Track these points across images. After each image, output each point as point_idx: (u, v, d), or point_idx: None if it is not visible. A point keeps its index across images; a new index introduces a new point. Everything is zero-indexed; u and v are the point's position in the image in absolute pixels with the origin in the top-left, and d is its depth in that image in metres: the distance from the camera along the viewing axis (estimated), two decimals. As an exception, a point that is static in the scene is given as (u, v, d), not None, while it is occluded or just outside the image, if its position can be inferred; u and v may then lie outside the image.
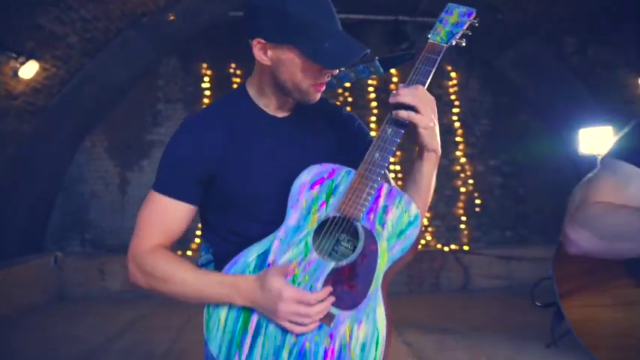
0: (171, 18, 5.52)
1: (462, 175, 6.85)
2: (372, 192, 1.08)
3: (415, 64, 1.12)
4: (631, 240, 1.07)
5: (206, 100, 6.39)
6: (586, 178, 1.20)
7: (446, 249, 6.54)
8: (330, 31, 1.09)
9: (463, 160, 6.87)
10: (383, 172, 1.09)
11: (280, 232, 1.14)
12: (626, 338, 1.15)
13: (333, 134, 1.31)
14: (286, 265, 1.10)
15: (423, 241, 6.48)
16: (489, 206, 6.83)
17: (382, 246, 1.09)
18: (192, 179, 1.18)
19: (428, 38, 1.12)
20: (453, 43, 1.13)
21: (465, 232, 6.79)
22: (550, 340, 3.95)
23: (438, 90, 6.69)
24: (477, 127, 5.28)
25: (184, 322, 4.82)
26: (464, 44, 1.13)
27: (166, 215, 1.19)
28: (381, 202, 1.11)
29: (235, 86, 6.30)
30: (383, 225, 1.10)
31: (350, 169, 1.15)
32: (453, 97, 6.89)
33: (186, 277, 1.13)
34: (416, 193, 1.18)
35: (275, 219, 1.16)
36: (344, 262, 1.09)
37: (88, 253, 6.16)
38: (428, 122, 1.06)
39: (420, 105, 1.05)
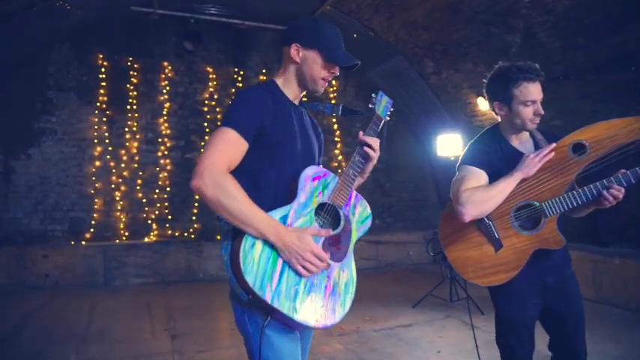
0: (68, 7, 5.51)
1: (339, 170, 7.84)
2: (348, 194, 1.72)
3: (369, 122, 1.79)
4: (490, 200, 1.96)
5: (102, 91, 6.40)
6: (454, 179, 2.09)
7: (326, 235, 7.46)
8: (339, 47, 1.76)
9: (340, 157, 7.88)
10: (354, 181, 1.74)
11: (295, 204, 1.63)
12: (479, 264, 2.08)
13: (313, 129, 1.92)
14: (317, 231, 1.59)
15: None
16: (362, 198, 7.94)
17: (353, 227, 1.75)
18: (255, 125, 1.61)
19: (375, 110, 1.80)
20: (387, 119, 1.82)
21: (342, 221, 7.80)
22: (414, 303, 5.22)
23: (320, 94, 7.57)
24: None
25: (90, 308, 4.96)
26: (388, 119, 1.83)
27: (234, 147, 1.58)
28: (352, 201, 1.77)
29: (134, 80, 6.50)
30: (354, 215, 1.76)
31: (334, 174, 1.74)
32: (333, 101, 7.84)
33: (246, 204, 1.52)
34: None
35: (294, 161, 1.70)
36: (334, 232, 1.69)
37: (-36, 246, 5.78)
38: (375, 161, 1.78)
39: (375, 150, 1.75)
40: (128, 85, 6.54)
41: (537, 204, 1.99)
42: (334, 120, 7.77)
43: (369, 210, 1.80)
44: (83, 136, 6.35)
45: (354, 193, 1.78)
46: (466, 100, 6.60)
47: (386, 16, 6.15)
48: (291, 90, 1.81)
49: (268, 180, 1.68)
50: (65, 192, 6.27)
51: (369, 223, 1.78)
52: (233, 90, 7.14)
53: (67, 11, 5.57)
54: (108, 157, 6.46)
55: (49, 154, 6.21)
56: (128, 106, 6.55)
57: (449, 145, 5.66)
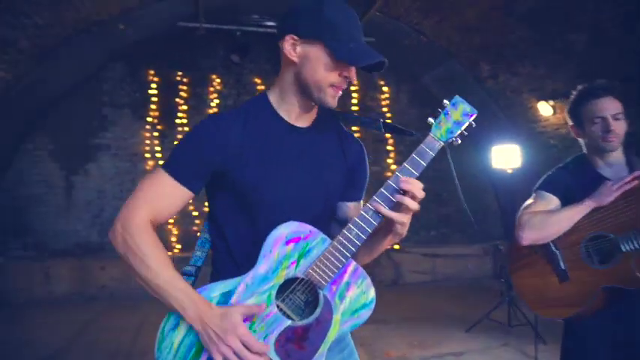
0: (122, 28, 5.67)
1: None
2: (341, 266, 1.16)
3: (413, 152, 1.19)
4: (551, 225, 1.84)
5: (153, 107, 6.56)
6: (526, 203, 1.97)
7: (379, 248, 7.22)
8: (354, 37, 1.21)
9: (394, 167, 7.57)
10: (355, 250, 1.15)
11: (248, 278, 1.18)
12: (542, 293, 1.94)
13: (343, 159, 1.39)
14: (252, 308, 1.15)
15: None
16: (416, 208, 7.62)
17: (336, 318, 1.18)
18: (198, 169, 1.25)
19: (430, 128, 1.18)
20: (450, 142, 1.19)
21: (395, 232, 7.52)
22: (469, 326, 4.80)
23: (371, 102, 7.35)
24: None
25: (140, 323, 5.04)
26: (459, 143, 1.19)
27: (164, 193, 1.24)
28: (346, 278, 1.20)
29: (184, 94, 6.58)
30: (342, 299, 1.19)
31: (325, 236, 1.21)
32: (385, 109, 7.56)
33: (160, 271, 1.17)
34: (368, 256, 1.34)
35: (278, 211, 1.24)
36: (299, 323, 1.18)
37: (31, 257, 6.10)
38: (403, 219, 1.16)
39: (407, 203, 1.13)
40: (178, 100, 6.66)
41: (612, 236, 1.77)
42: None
43: (372, 294, 1.21)
44: (135, 150, 6.55)
45: (352, 265, 1.20)
46: (527, 105, 6.10)
47: (436, 20, 5.82)
48: (289, 106, 1.30)
49: (238, 236, 1.29)
50: (120, 205, 6.30)
51: (365, 314, 1.20)
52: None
53: (119, 32, 5.74)
54: (159, 171, 6.59)
55: (105, 169, 6.45)
56: (178, 120, 6.66)
57: (505, 156, 5.23)
